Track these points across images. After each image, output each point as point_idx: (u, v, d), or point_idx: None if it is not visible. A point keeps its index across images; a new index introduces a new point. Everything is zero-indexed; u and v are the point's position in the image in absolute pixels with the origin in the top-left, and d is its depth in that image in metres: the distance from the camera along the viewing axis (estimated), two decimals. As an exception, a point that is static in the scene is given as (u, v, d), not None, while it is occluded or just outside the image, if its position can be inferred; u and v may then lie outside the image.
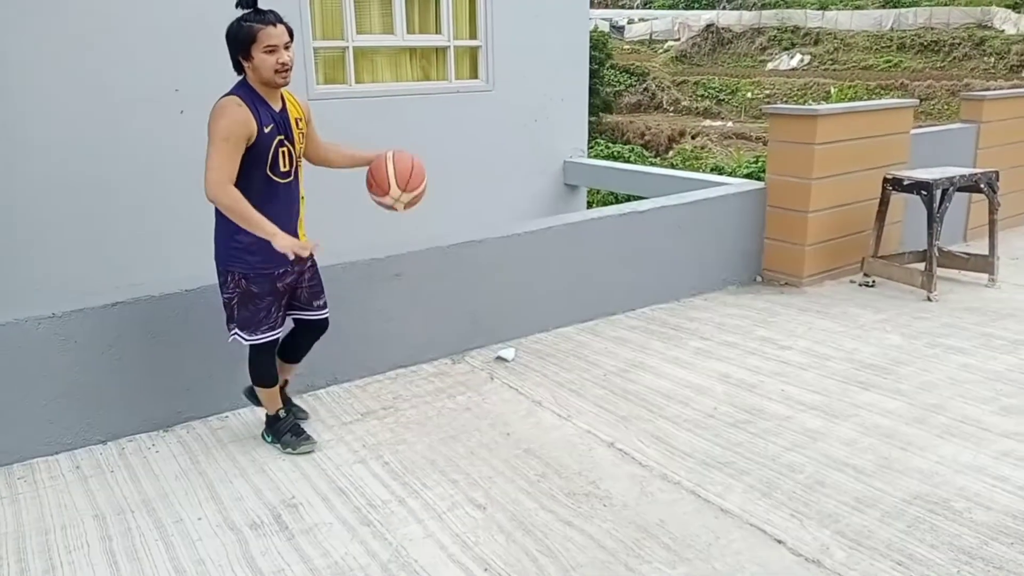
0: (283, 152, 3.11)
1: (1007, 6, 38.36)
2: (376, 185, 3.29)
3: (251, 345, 3.28)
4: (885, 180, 5.67)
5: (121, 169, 6.06)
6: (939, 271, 5.52)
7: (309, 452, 3.45)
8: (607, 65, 35.53)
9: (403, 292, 4.32)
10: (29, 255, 5.83)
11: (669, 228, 5.38)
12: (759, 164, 13.83)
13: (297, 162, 3.24)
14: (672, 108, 39.36)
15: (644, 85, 40.52)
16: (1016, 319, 5.00)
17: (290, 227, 3.17)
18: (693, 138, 33.45)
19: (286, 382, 3.68)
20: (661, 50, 45.79)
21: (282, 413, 3.50)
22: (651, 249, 5.31)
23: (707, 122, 36.83)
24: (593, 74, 14.97)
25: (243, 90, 3.03)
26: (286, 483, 3.28)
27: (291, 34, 3.05)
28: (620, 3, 54.57)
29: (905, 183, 5.53)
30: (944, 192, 5.46)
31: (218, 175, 2.94)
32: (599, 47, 31.98)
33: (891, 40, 39.60)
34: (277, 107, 3.12)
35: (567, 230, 4.91)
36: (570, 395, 4.05)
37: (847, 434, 3.59)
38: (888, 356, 4.46)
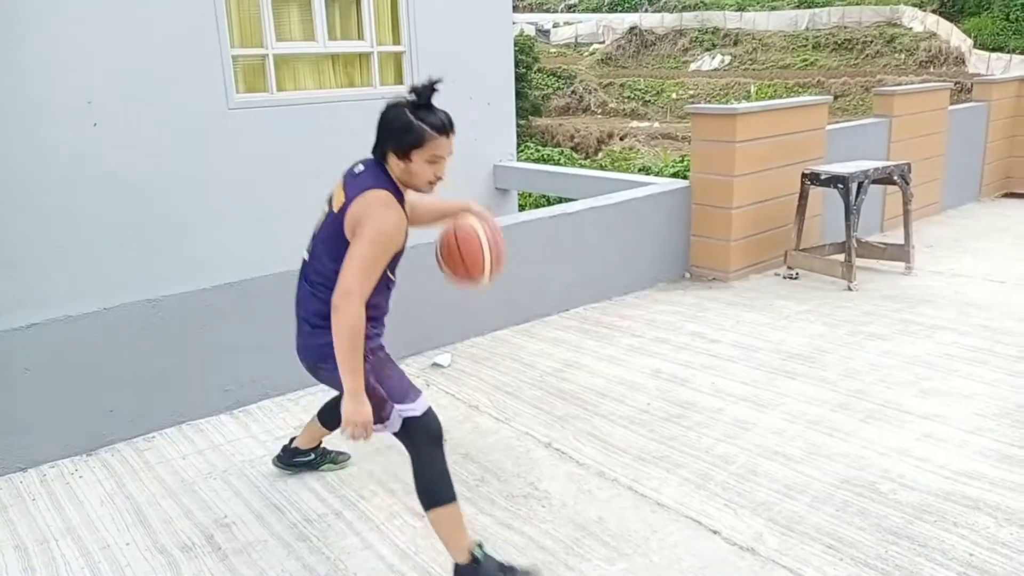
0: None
1: (914, 5, 40.02)
2: (465, 265, 2.70)
3: (419, 426, 2.55)
4: (803, 175, 5.84)
5: (35, 183, 5.82)
6: (858, 261, 5.71)
7: None
8: (534, 69, 35.79)
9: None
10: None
11: (599, 228, 5.44)
12: (684, 163, 14.12)
13: None
14: (600, 110, 39.87)
15: (572, 88, 40.95)
16: (932, 305, 5.21)
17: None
18: (621, 139, 33.93)
19: (319, 444, 3.38)
20: (587, 53, 46.38)
21: (479, 552, 2.55)
22: (582, 250, 5.36)
23: (634, 123, 37.41)
24: (520, 78, 15.05)
25: (392, 185, 2.50)
26: (218, 502, 3.19)
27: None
28: (545, 7, 55.02)
29: (822, 177, 5.71)
30: (860, 185, 5.66)
31: (360, 285, 2.36)
32: (525, 51, 32.20)
33: (807, 39, 40.93)
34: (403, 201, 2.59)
35: (498, 233, 4.91)
36: (507, 398, 4.05)
37: (776, 423, 3.68)
38: (812, 345, 4.60)
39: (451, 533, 2.53)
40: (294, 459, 3.37)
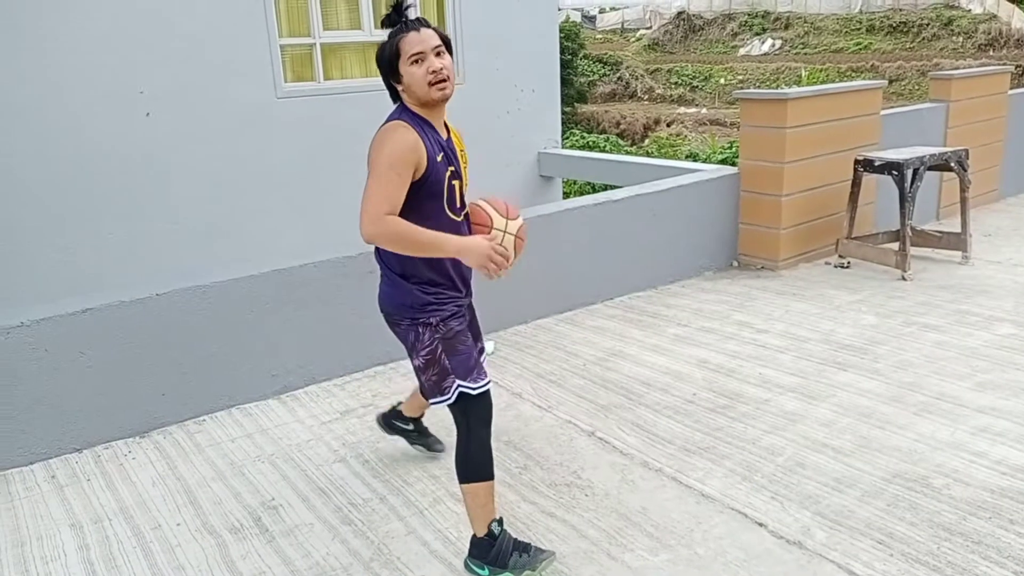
0: (456, 186, 2.59)
1: (973, -15, 38.71)
2: (480, 226, 2.62)
3: (475, 404, 2.60)
4: (856, 161, 5.70)
5: (89, 171, 5.97)
6: (913, 250, 5.56)
7: (551, 563, 2.66)
8: (580, 55, 35.50)
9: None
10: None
11: (645, 216, 5.38)
12: (733, 150, 13.89)
13: (466, 199, 2.69)
14: (646, 96, 39.43)
15: (618, 74, 40.53)
16: (989, 295, 5.06)
17: (469, 275, 2.74)
18: (668, 126, 33.53)
19: (422, 414, 3.37)
20: (633, 39, 45.86)
21: (496, 528, 2.61)
22: (628, 237, 5.31)
23: (681, 109, 36.93)
24: (566, 64, 14.95)
25: (407, 115, 2.52)
26: (266, 485, 3.25)
27: (445, 41, 2.53)
28: (591, -7, 54.48)
29: (876, 164, 5.56)
30: (915, 172, 5.50)
31: (376, 206, 2.37)
32: (571, 37, 31.94)
33: (860, 22, 39.88)
34: (443, 135, 2.59)
35: (543, 221, 4.89)
36: (550, 386, 4.04)
37: (825, 415, 3.61)
38: (864, 336, 4.50)
39: (481, 508, 2.61)
40: (394, 422, 3.36)
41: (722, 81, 38.44)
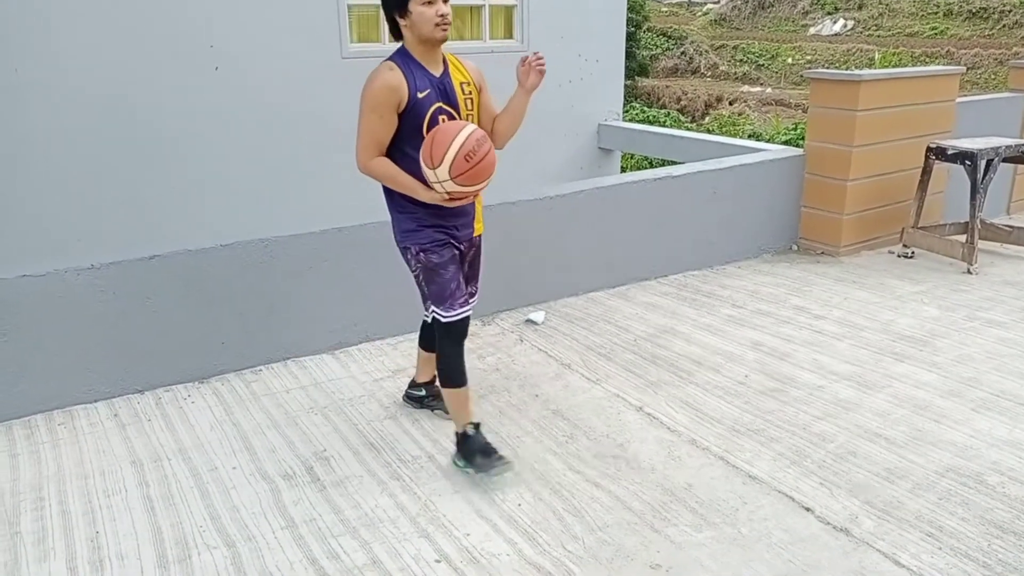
0: (443, 120, 2.78)
1: (1062, -28, 36.96)
2: (428, 151, 2.66)
3: (445, 327, 2.93)
4: (928, 149, 5.54)
5: (157, 125, 6.10)
6: (980, 243, 5.40)
7: (507, 472, 2.96)
8: (644, 28, 34.90)
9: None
10: (68, 210, 5.92)
11: (704, 194, 5.31)
12: (798, 131, 13.57)
13: None
14: (710, 73, 38.66)
15: (682, 49, 39.78)
16: (1059, 294, 4.90)
17: (467, 209, 2.96)
18: (731, 104, 32.87)
19: (434, 377, 3.48)
20: (700, 13, 44.89)
21: (471, 430, 3.01)
22: (685, 215, 5.26)
23: (745, 88, 36.14)
24: (630, 37, 14.74)
25: (398, 56, 2.78)
26: (318, 436, 3.33)
27: None
28: (659, -36, 53.41)
29: (949, 152, 5.39)
30: (989, 163, 5.33)
31: (364, 145, 2.76)
32: (636, 9, 31.38)
33: (938, 6, 38.40)
34: (437, 72, 2.82)
35: (600, 194, 4.87)
36: (599, 359, 4.05)
37: (880, 405, 3.55)
38: (925, 328, 4.40)
39: (457, 409, 3.04)
40: (411, 392, 3.56)
41: (789, 60, 37.47)
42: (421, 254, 2.90)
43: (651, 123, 16.46)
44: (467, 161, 2.62)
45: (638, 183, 5.08)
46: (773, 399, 3.62)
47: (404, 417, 3.48)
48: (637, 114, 17.93)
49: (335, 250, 4.03)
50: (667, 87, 35.09)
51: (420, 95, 2.74)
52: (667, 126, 16.24)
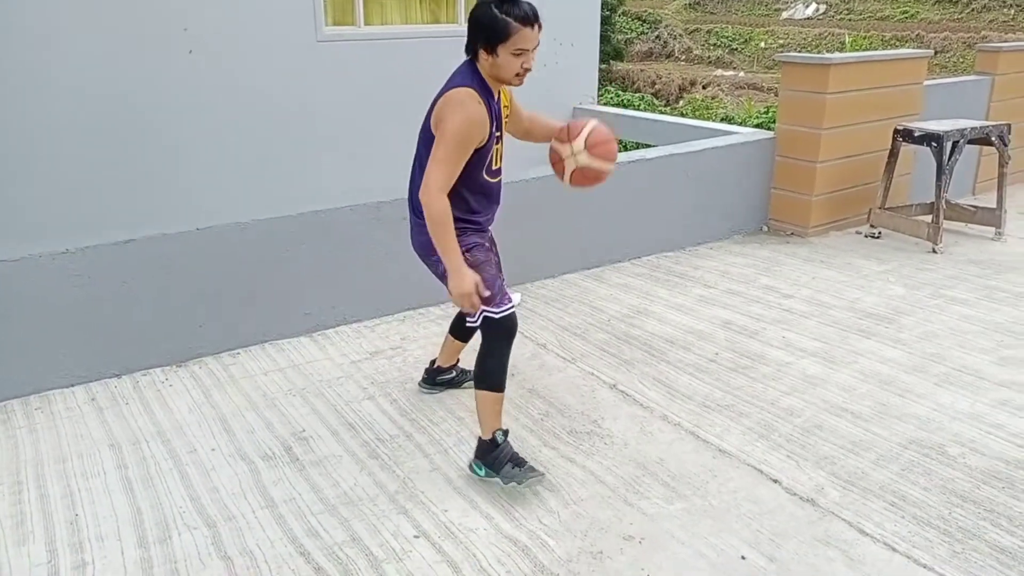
0: (497, 150, 2.83)
1: (1030, -44, 37.38)
2: (567, 131, 2.88)
3: (497, 324, 2.77)
4: (896, 131, 5.64)
5: (130, 109, 6.05)
6: (946, 223, 5.53)
7: (540, 481, 2.84)
8: (619, 12, 34.85)
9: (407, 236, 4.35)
10: (41, 195, 5.87)
11: (677, 176, 5.38)
12: (769, 115, 13.70)
13: (503, 151, 2.92)
14: (684, 57, 38.76)
15: (656, 33, 39.82)
16: (1020, 272, 5.03)
17: (492, 220, 3.00)
18: (704, 88, 32.99)
19: (458, 359, 3.54)
20: (674, -3, 44.89)
21: (500, 437, 2.84)
22: (658, 197, 5.32)
23: (719, 72, 36.28)
24: (604, 21, 14.74)
25: (476, 82, 2.68)
26: (297, 417, 3.36)
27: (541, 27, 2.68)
28: (633, -53, 53.28)
29: (916, 134, 5.50)
30: (954, 144, 5.44)
31: (444, 177, 2.62)
32: (611, -7, 31.30)
33: (909, -10, 38.71)
34: (495, 97, 2.78)
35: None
36: (574, 339, 4.11)
37: (846, 380, 3.65)
38: (890, 306, 4.51)
39: (489, 414, 2.86)
40: (437, 378, 3.54)
41: (762, 44, 37.66)
42: (466, 255, 2.76)
43: (626, 107, 16.50)
44: (602, 136, 2.84)
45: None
46: (743, 376, 3.71)
47: (382, 397, 3.52)
48: (612, 98, 17.96)
49: (312, 233, 4.04)
50: (642, 71, 35.13)
51: (493, 130, 2.74)
52: (642, 110, 16.30)
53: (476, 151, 2.68)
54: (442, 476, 2.95)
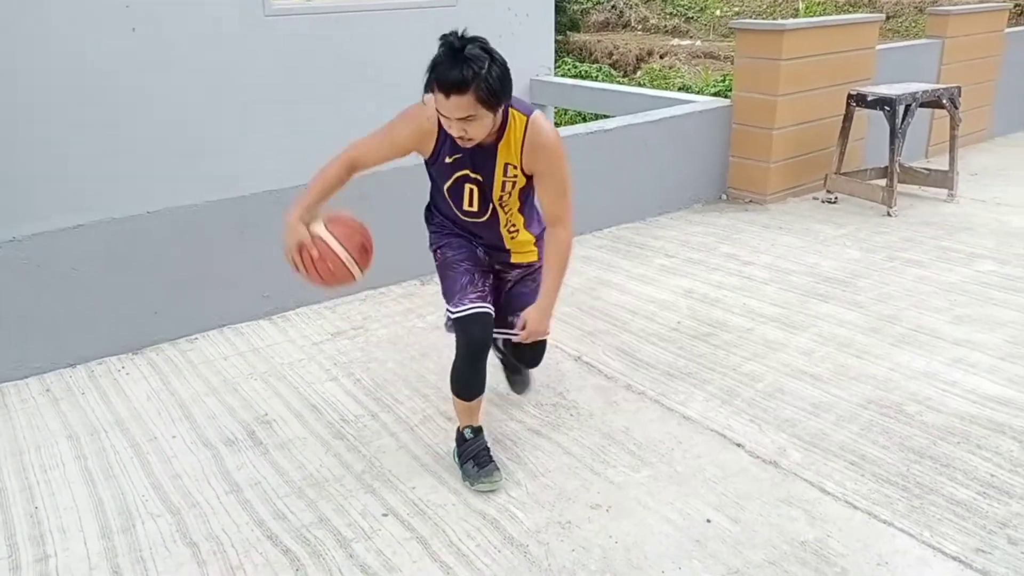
0: (469, 189, 2.60)
1: (977, -80, 37.80)
2: (335, 277, 2.66)
3: (458, 334, 2.69)
4: (849, 96, 5.69)
5: (73, 91, 5.87)
6: (900, 187, 5.61)
7: (491, 490, 2.73)
8: (574, -18, 34.60)
9: (370, 215, 4.28)
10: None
11: (636, 147, 5.38)
12: (726, 83, 13.75)
13: (498, 207, 2.67)
14: (640, 27, 38.67)
15: (612, 3, 39.66)
16: (972, 233, 5.13)
17: (483, 244, 2.78)
18: (661, 57, 32.96)
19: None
20: (629, -34, 44.72)
21: (468, 433, 2.81)
22: (618, 168, 5.32)
23: (675, 41, 36.26)
24: (560, -9, 14.62)
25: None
26: (259, 401, 3.32)
27: (484, 99, 2.28)
28: (587, -84, 52.85)
29: (869, 99, 5.56)
30: (907, 108, 5.51)
31: (355, 142, 2.63)
32: (566, -37, 31.04)
33: (861, -45, 39.01)
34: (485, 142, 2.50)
35: (534, 149, 4.88)
36: (538, 312, 4.10)
37: (805, 344, 3.70)
38: (847, 269, 4.57)
39: (457, 411, 2.84)
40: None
41: (718, 12, 37.71)
42: (438, 251, 2.79)
43: (583, 78, 16.46)
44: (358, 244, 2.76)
45: (570, 138, 5.10)
46: (705, 343, 3.74)
47: (345, 378, 3.49)
48: (569, 69, 17.90)
49: (266, 213, 3.97)
50: (599, 42, 35.00)
51: (447, 160, 2.59)
52: (599, 80, 16.26)
53: (426, 163, 2.64)
54: (409, 454, 2.93)
